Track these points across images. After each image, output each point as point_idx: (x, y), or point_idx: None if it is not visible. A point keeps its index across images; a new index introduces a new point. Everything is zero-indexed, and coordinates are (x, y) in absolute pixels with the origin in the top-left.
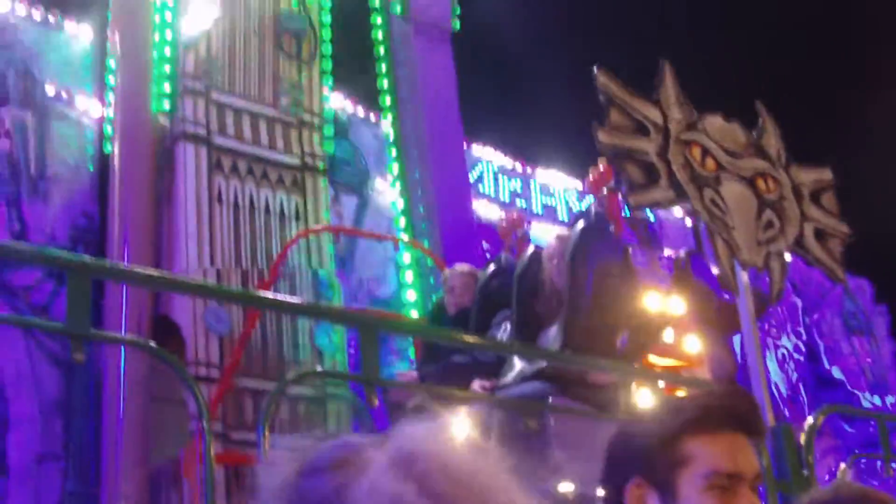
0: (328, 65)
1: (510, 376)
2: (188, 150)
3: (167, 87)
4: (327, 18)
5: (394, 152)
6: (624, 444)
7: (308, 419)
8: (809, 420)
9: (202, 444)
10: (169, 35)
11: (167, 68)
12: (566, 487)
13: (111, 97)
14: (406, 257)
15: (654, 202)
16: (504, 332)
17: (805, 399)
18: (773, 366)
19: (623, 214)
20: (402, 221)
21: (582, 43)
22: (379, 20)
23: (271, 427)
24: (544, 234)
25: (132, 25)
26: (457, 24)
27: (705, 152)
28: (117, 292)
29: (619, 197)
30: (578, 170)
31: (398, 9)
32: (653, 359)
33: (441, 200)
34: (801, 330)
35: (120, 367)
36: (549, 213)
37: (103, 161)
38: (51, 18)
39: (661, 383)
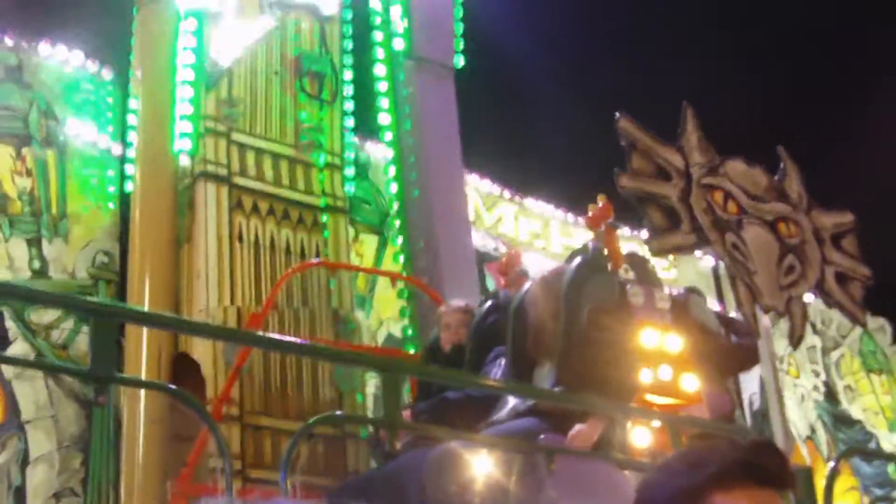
0: (349, 106)
1: (503, 412)
2: (209, 190)
3: (188, 127)
4: (349, 60)
5: (394, 187)
6: (649, 496)
7: (327, 458)
8: (831, 464)
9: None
10: (191, 75)
11: (188, 108)
12: None
13: (132, 136)
14: (405, 294)
15: (676, 247)
16: (499, 368)
17: (823, 438)
18: (791, 406)
19: (621, 251)
20: (402, 258)
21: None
22: (381, 55)
23: (292, 467)
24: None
25: (154, 66)
26: (459, 62)
27: (727, 196)
28: (137, 331)
29: (617, 233)
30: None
31: (401, 46)
32: (649, 397)
33: (441, 236)
34: (820, 369)
35: (139, 405)
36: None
37: (124, 200)
38: (73, 58)
39: (657, 422)
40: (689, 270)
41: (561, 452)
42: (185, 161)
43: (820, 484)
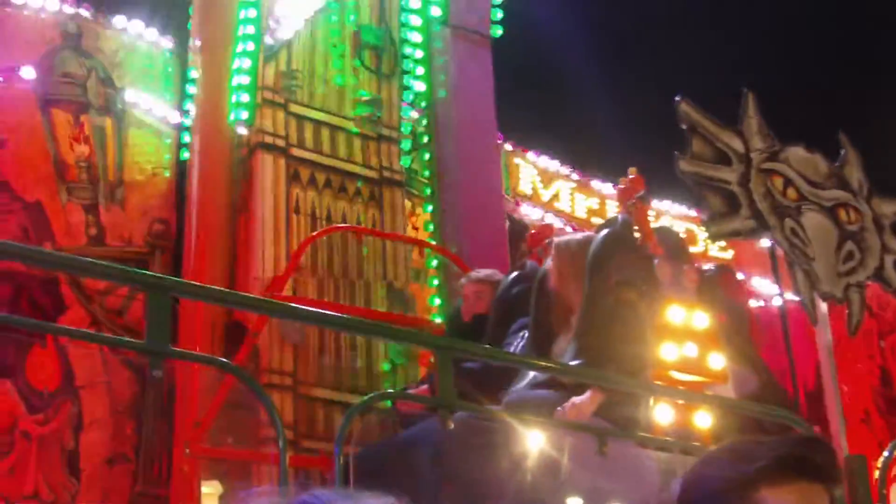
0: (407, 80)
1: (522, 383)
2: (266, 161)
3: (246, 98)
4: (407, 34)
5: (427, 156)
6: (695, 487)
7: (382, 431)
8: (885, 454)
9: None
10: (250, 46)
11: (247, 79)
12: (574, 501)
13: (190, 106)
14: (433, 263)
15: (735, 232)
16: (521, 340)
17: (877, 424)
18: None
19: (651, 225)
20: (431, 227)
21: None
22: (417, 22)
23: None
24: None
25: (214, 35)
26: (497, 31)
27: (787, 182)
28: (192, 301)
29: (648, 207)
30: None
31: (438, 13)
32: (674, 374)
33: (473, 206)
34: (876, 353)
35: (193, 373)
36: None
37: (181, 168)
38: (132, 26)
39: (682, 400)
40: (746, 251)
41: (582, 430)
42: (242, 131)
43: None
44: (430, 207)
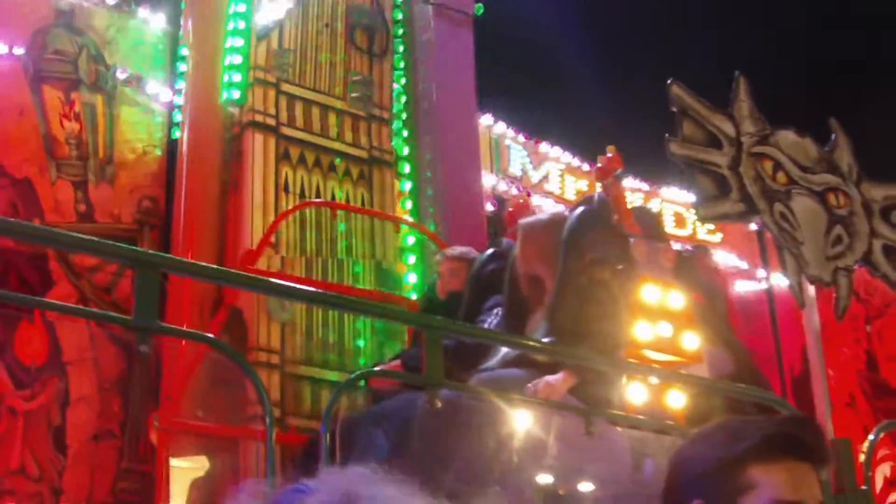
0: (399, 60)
1: (494, 360)
2: (256, 140)
3: (238, 77)
4: (399, 14)
5: (405, 133)
6: (685, 466)
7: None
8: (870, 437)
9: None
10: (242, 25)
11: (239, 58)
12: (544, 480)
13: (181, 84)
14: (410, 240)
15: (724, 215)
16: (495, 317)
17: (862, 407)
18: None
19: (628, 204)
20: (409, 204)
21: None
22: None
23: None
24: None
25: (205, 14)
26: (479, 9)
27: (777, 166)
28: (181, 279)
29: (624, 185)
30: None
31: None
32: (648, 353)
33: (451, 185)
34: (862, 338)
35: (180, 349)
36: None
37: (171, 146)
38: (124, 4)
39: (655, 379)
40: (734, 233)
41: (555, 407)
42: (233, 110)
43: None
44: (407, 184)
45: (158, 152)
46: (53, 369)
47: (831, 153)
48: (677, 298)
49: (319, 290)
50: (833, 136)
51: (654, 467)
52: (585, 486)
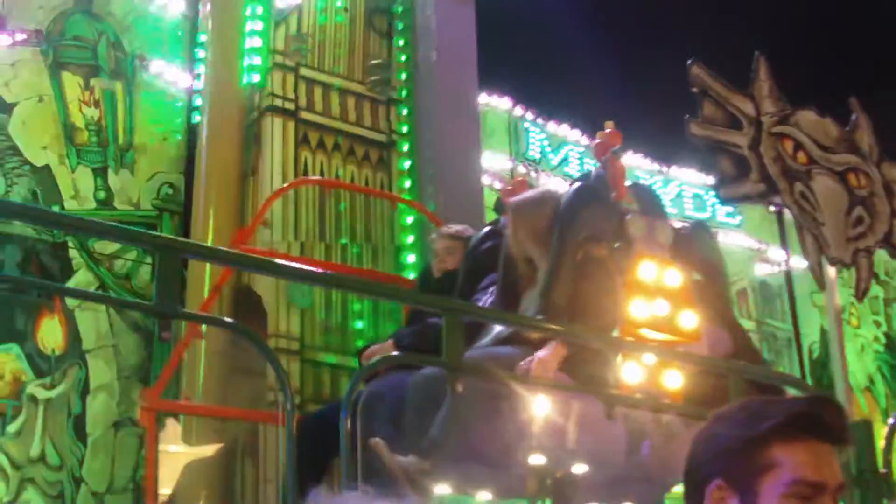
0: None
1: (487, 339)
2: (276, 124)
3: (258, 61)
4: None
5: (405, 111)
6: (707, 445)
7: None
8: (890, 420)
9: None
10: (260, 10)
11: (258, 41)
12: (536, 460)
13: (200, 69)
14: (408, 219)
15: (745, 195)
16: (490, 296)
17: (882, 389)
18: (851, 356)
19: (626, 180)
20: (408, 182)
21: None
22: None
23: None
24: None
25: None
26: None
27: (797, 146)
28: (200, 265)
29: (623, 161)
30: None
31: None
32: (644, 332)
33: (451, 164)
34: (882, 319)
35: (200, 338)
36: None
37: (190, 132)
38: None
39: (653, 358)
40: (754, 215)
41: (544, 384)
42: (252, 95)
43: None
44: (406, 163)
45: (178, 137)
46: (74, 357)
47: (852, 133)
48: (675, 276)
49: (341, 274)
50: (853, 116)
51: (652, 449)
52: (578, 468)
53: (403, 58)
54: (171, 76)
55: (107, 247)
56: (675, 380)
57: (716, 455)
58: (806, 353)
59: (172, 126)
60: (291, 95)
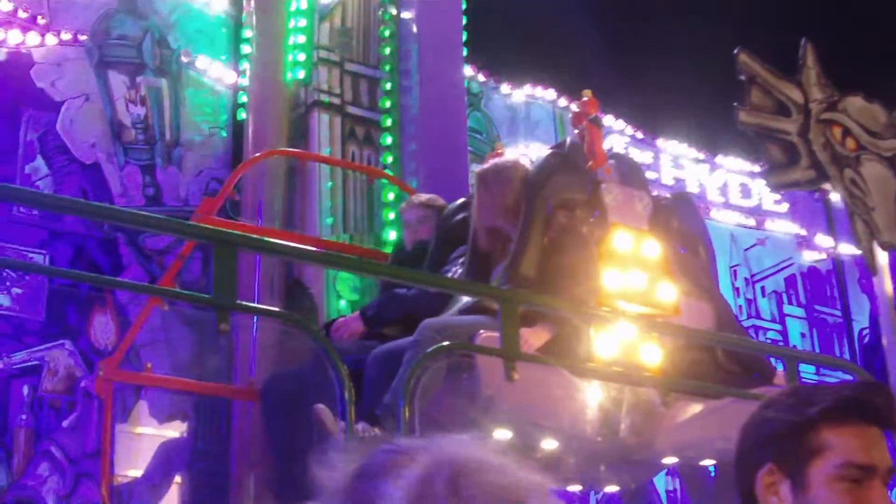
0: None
1: (454, 309)
2: (322, 119)
3: (302, 56)
4: None
5: (388, 85)
6: (756, 430)
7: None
8: None
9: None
10: (304, 4)
11: (302, 37)
12: (502, 435)
13: (245, 65)
14: (390, 195)
15: (795, 182)
16: (460, 267)
17: None
18: None
19: (603, 148)
20: (390, 158)
21: None
22: None
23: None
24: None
25: None
26: None
27: (846, 132)
28: (250, 258)
29: (600, 129)
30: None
31: None
32: (622, 304)
33: (435, 141)
34: None
35: (252, 331)
36: (679, 186)
37: (237, 128)
38: None
39: (632, 330)
40: (800, 203)
41: (537, 361)
42: (298, 90)
43: None
44: (389, 139)
45: (224, 134)
46: (126, 352)
47: None
48: (652, 247)
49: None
50: None
51: (631, 428)
52: (547, 443)
53: (388, 32)
54: (216, 73)
55: (156, 242)
56: (653, 354)
57: (765, 440)
58: (857, 339)
59: (219, 122)
60: (337, 90)
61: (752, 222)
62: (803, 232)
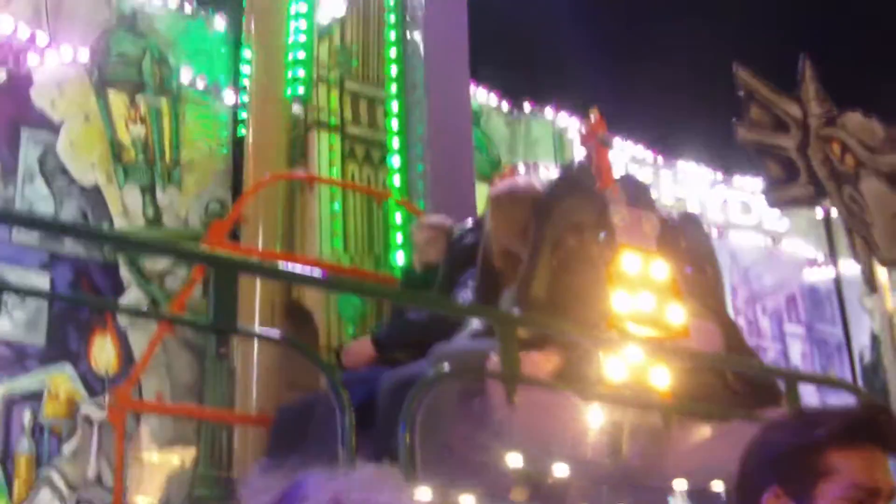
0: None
1: (465, 333)
2: (322, 139)
3: (302, 73)
4: None
5: (395, 105)
6: (760, 452)
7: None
8: None
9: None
10: (303, 24)
11: (303, 54)
12: (515, 461)
13: (245, 83)
14: (397, 217)
15: (794, 199)
16: (469, 290)
17: None
18: None
19: (611, 169)
20: (398, 179)
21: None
22: None
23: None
24: None
25: (267, 13)
26: None
27: (845, 148)
28: (250, 280)
29: (609, 150)
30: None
31: None
32: (630, 327)
33: (442, 160)
34: None
35: (253, 354)
36: (683, 205)
37: (237, 147)
38: (186, 7)
39: (640, 353)
40: (800, 219)
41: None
42: (297, 108)
43: None
44: (396, 159)
45: (224, 152)
46: (126, 376)
47: None
48: (661, 268)
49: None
50: None
51: (637, 450)
52: (559, 469)
53: (394, 52)
54: (215, 91)
55: (157, 264)
56: (662, 377)
57: (771, 462)
58: (857, 358)
59: (219, 141)
60: (337, 109)
61: (753, 240)
62: (806, 250)
